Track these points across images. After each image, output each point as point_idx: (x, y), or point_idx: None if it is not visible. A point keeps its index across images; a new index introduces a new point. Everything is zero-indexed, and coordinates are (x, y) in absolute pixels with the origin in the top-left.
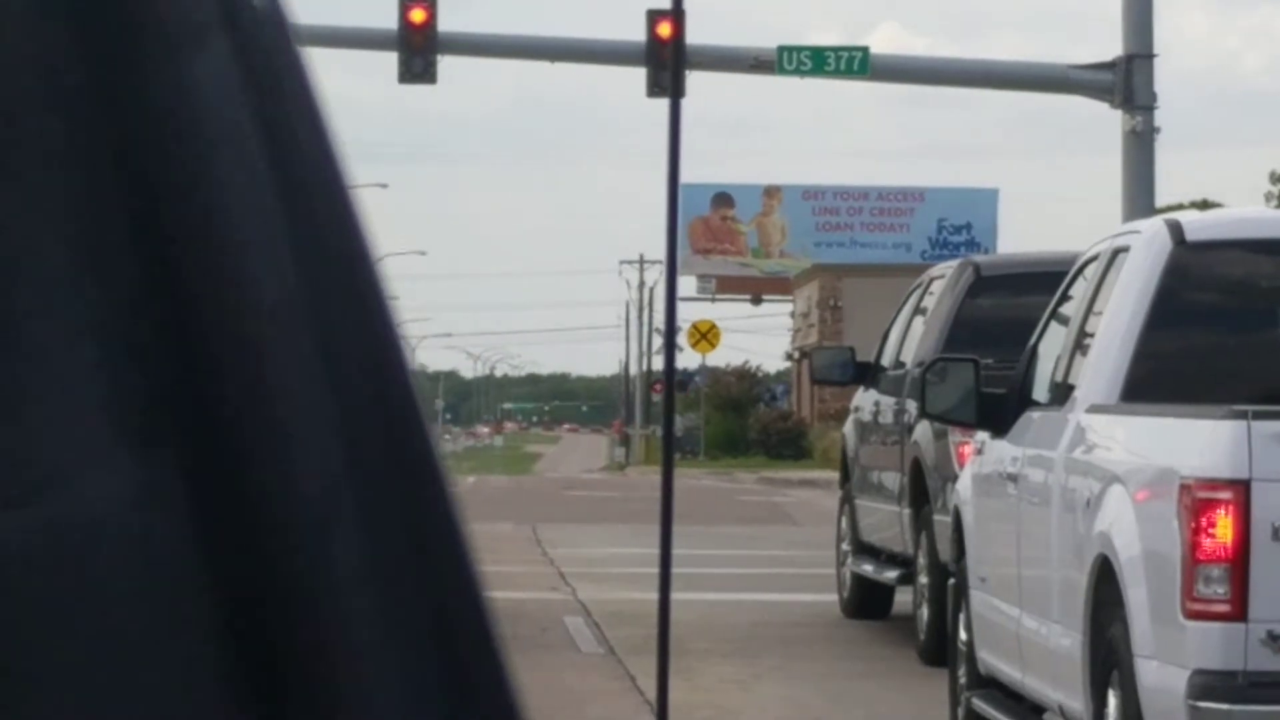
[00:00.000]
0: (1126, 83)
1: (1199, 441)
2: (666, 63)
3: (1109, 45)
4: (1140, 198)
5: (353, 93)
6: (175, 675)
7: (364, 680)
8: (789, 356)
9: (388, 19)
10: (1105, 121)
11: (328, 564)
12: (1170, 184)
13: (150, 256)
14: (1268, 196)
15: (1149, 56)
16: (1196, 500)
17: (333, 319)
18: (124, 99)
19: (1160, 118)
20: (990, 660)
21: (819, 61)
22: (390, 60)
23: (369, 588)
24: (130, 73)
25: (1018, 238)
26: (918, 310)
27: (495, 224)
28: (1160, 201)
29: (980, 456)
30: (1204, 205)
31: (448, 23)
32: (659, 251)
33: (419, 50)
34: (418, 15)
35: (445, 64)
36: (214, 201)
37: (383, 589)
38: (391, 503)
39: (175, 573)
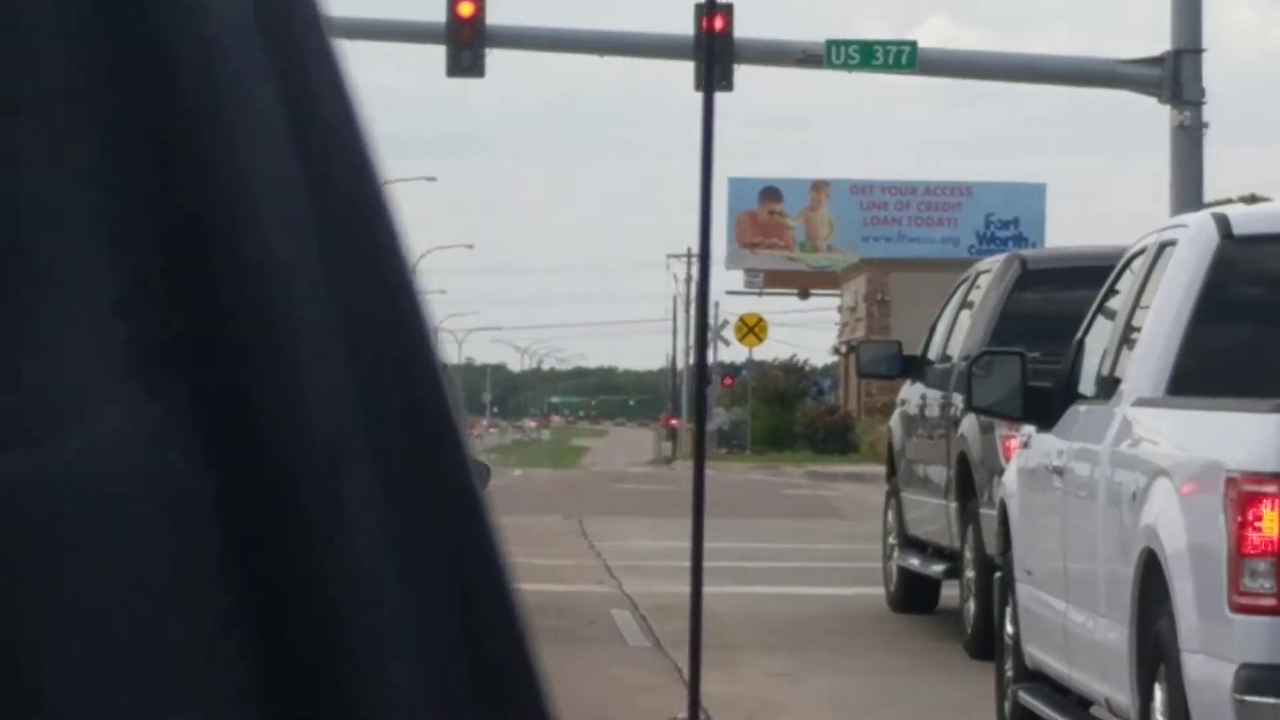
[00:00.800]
0: (1175, 77)
1: (1245, 435)
2: (716, 56)
3: (1157, 40)
4: (1188, 193)
5: (401, 86)
6: (191, 607)
7: (372, 625)
8: (836, 350)
9: (436, 12)
10: (1153, 116)
11: (337, 505)
12: (1219, 179)
13: (169, 201)
14: None
15: (1197, 51)
16: (1243, 494)
17: (349, 272)
18: (138, 35)
19: (1208, 112)
20: (1037, 654)
21: (867, 55)
22: (439, 54)
23: (380, 535)
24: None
25: (1065, 233)
26: (964, 304)
27: (543, 217)
28: (1208, 197)
29: (1026, 450)
30: (1252, 200)
31: (496, 16)
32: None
33: (467, 44)
34: (466, 9)
35: (493, 57)
36: (230, 143)
37: (395, 539)
38: (407, 457)
39: (190, 508)
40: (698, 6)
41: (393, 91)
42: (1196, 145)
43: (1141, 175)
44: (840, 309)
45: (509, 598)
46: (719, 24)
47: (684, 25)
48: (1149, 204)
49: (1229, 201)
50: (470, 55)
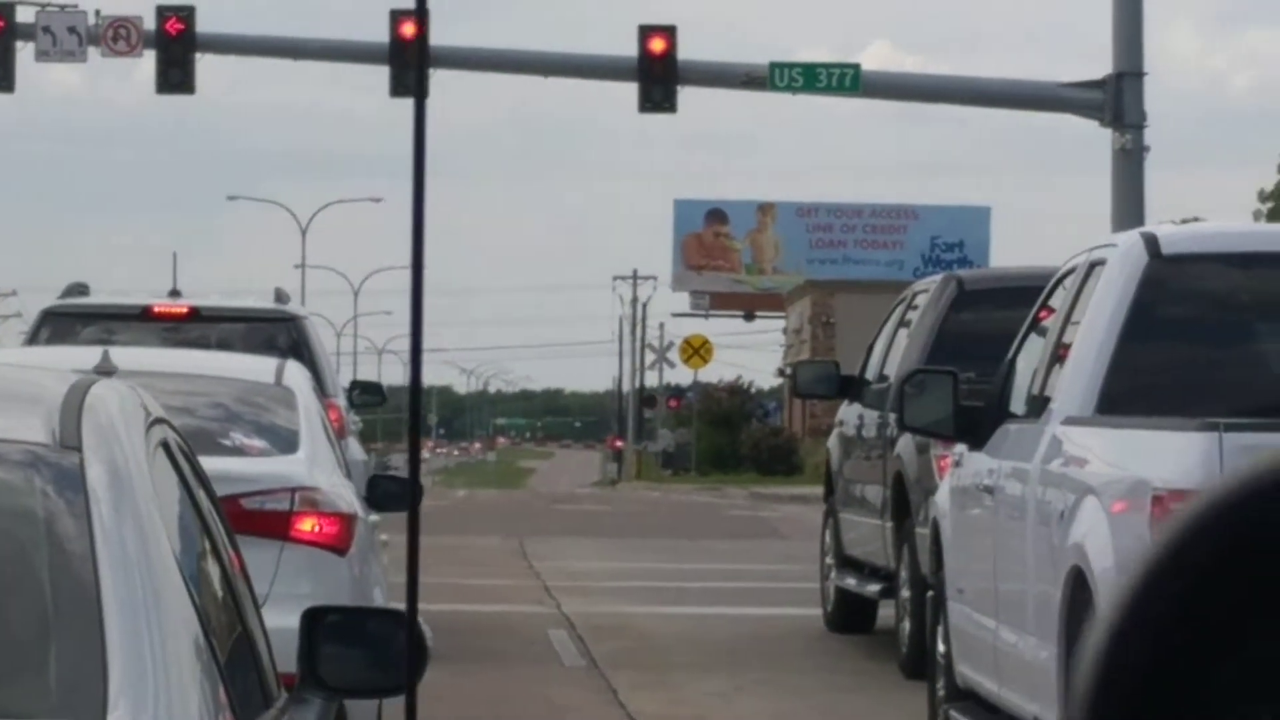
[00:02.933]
0: (1116, 101)
1: (1172, 453)
2: (659, 77)
3: (1099, 66)
4: (1129, 216)
5: (345, 107)
6: None
7: None
8: (781, 373)
9: (380, 33)
10: (1096, 140)
11: None
12: (1160, 202)
13: None
14: (1256, 215)
15: (1139, 75)
16: (1170, 511)
17: None
18: None
19: (1150, 136)
20: (968, 673)
21: (810, 78)
22: (383, 74)
23: None
24: None
25: (1010, 255)
26: (902, 324)
27: (489, 239)
28: (1150, 219)
29: (958, 469)
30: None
31: (440, 37)
32: (653, 267)
33: (411, 63)
34: (409, 29)
35: (437, 78)
36: None
37: None
38: None
39: None
40: (641, 28)
41: (337, 113)
42: (1138, 168)
43: (1085, 198)
44: (786, 331)
45: None
46: (661, 46)
47: (628, 47)
48: (1093, 227)
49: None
50: (414, 76)
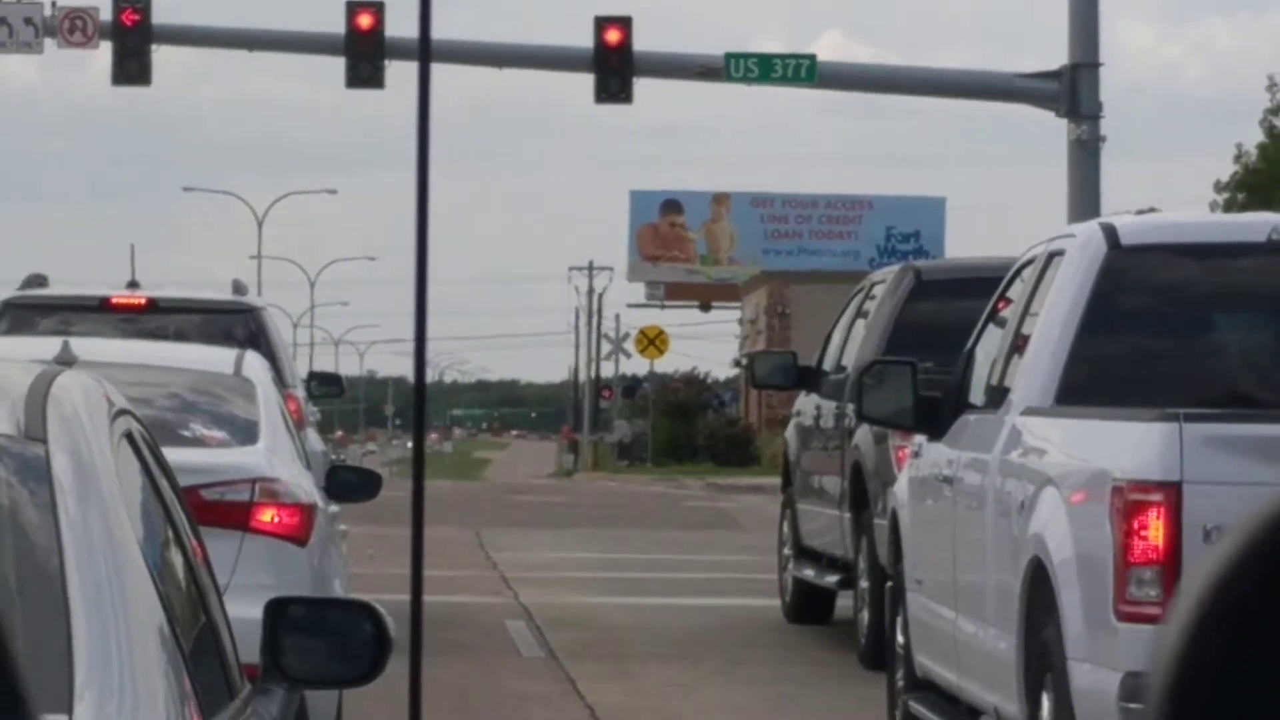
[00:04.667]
0: (1072, 91)
1: (1131, 444)
2: (615, 68)
3: (1052, 57)
4: (1085, 206)
5: (301, 98)
6: None
7: None
8: (737, 363)
9: (336, 24)
10: (1052, 130)
11: None
12: (1116, 193)
13: None
14: (1213, 205)
15: (1094, 65)
16: (1129, 502)
17: None
18: None
19: (1106, 127)
20: (927, 663)
21: (766, 69)
22: (339, 65)
23: None
24: None
25: (966, 246)
26: (859, 314)
27: (445, 230)
28: (1106, 210)
29: (917, 460)
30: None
31: (395, 28)
32: (608, 258)
33: (366, 55)
34: (365, 20)
35: (393, 69)
36: None
37: None
38: None
39: None
40: (597, 19)
41: (292, 104)
42: (1094, 158)
43: (1040, 189)
44: (741, 321)
45: None
46: (617, 37)
47: (585, 38)
48: (1048, 217)
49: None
50: (370, 67)
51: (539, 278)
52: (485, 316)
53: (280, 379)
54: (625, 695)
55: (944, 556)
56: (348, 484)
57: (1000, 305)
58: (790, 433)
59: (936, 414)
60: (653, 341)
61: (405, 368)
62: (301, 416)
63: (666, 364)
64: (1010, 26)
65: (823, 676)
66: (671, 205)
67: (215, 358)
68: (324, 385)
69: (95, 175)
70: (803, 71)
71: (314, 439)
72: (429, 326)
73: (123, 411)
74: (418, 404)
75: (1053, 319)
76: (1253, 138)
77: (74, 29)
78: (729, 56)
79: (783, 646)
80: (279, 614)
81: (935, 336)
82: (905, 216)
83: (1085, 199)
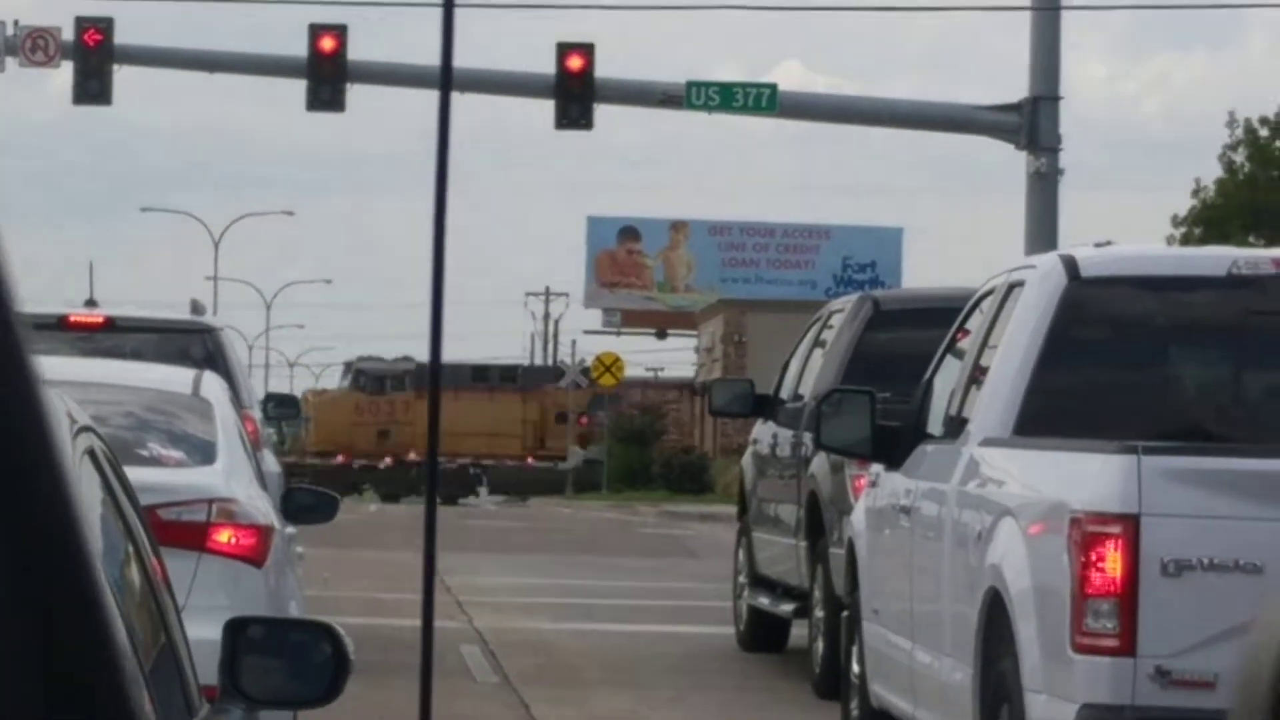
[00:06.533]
0: (1032, 124)
1: (1090, 476)
2: (576, 95)
3: (1010, 91)
4: (1043, 238)
5: (261, 120)
6: None
7: None
8: (692, 391)
9: (298, 47)
10: (1011, 162)
11: None
12: (1074, 226)
13: None
14: (1169, 239)
15: (1054, 99)
16: (1086, 534)
17: None
18: None
19: (1065, 160)
20: (882, 693)
21: (727, 97)
22: (299, 88)
23: None
24: None
25: (922, 276)
26: (817, 343)
27: (402, 253)
28: (1064, 242)
29: (874, 489)
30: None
31: (357, 51)
32: (564, 284)
33: (328, 78)
34: (328, 43)
35: (354, 93)
36: None
37: None
38: None
39: None
40: (559, 45)
41: (250, 126)
42: (1052, 191)
43: (999, 220)
44: (698, 349)
45: (99, 625)
46: (579, 64)
47: (546, 65)
48: (1005, 249)
49: None
50: (330, 90)
51: (495, 303)
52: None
53: (238, 399)
54: None
55: (900, 586)
56: (304, 506)
57: (959, 335)
58: (747, 461)
59: (894, 443)
60: (609, 368)
61: None
62: (259, 437)
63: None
64: (965, 62)
65: (776, 704)
66: (629, 232)
67: (173, 377)
68: (281, 407)
69: (52, 194)
70: (764, 100)
71: (270, 460)
72: (386, 349)
73: (85, 428)
74: (431, 426)
75: (1012, 350)
76: (1210, 172)
77: (36, 48)
78: (690, 84)
79: (736, 674)
80: (238, 634)
81: (893, 366)
82: (862, 246)
83: (1043, 231)
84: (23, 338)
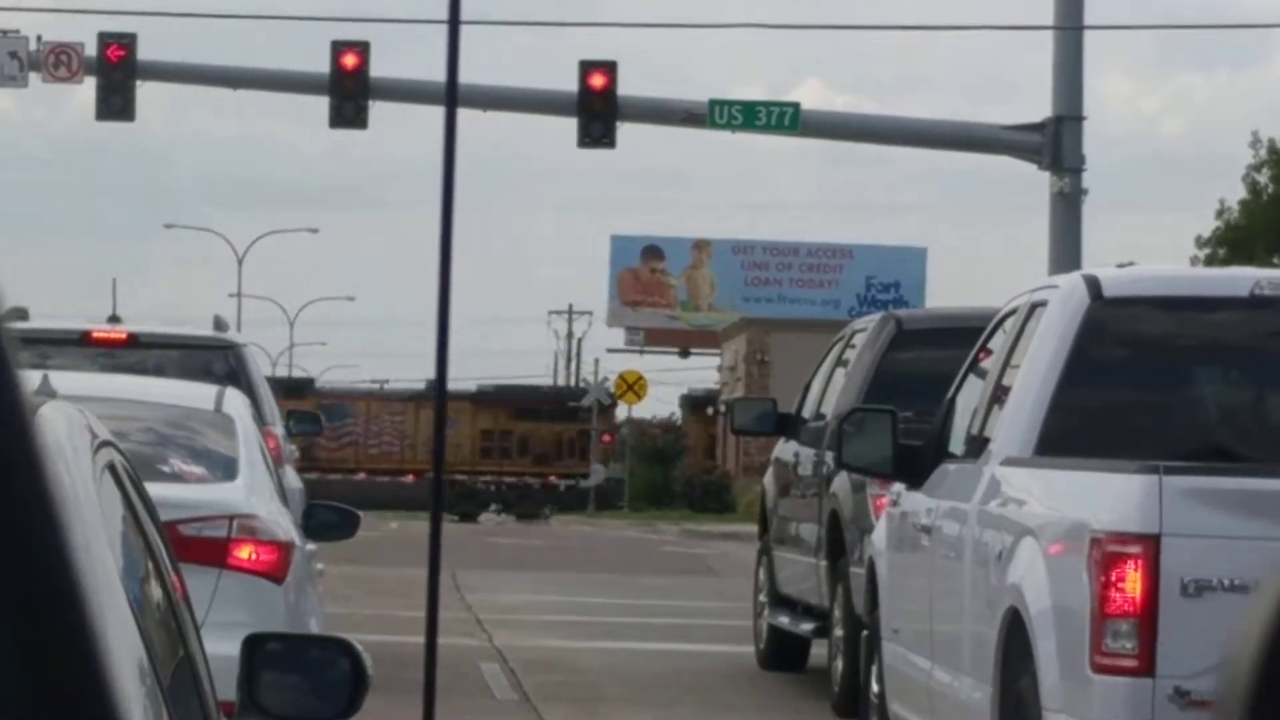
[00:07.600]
0: (1055, 144)
1: (1110, 496)
2: (598, 113)
3: (1033, 111)
4: (1067, 258)
5: (284, 137)
6: None
7: None
8: (715, 410)
9: (321, 64)
10: (1034, 182)
11: None
12: (1098, 245)
13: None
14: (1193, 260)
15: (1078, 119)
16: (1107, 554)
17: None
18: None
19: (1088, 179)
20: (901, 712)
21: (750, 116)
22: (322, 105)
23: None
24: None
25: (946, 296)
26: (839, 362)
27: (425, 271)
28: (1087, 263)
29: (895, 508)
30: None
31: (380, 68)
32: (587, 302)
33: (350, 95)
34: (350, 60)
35: (377, 110)
36: None
37: None
38: None
39: None
40: (581, 63)
41: (274, 143)
42: (1075, 211)
43: (1021, 240)
44: (720, 368)
45: (78, 623)
46: (601, 81)
47: (569, 82)
48: (1029, 269)
49: None
50: (353, 107)
51: (519, 321)
52: (465, 358)
53: (260, 416)
54: None
55: (921, 606)
56: (326, 522)
57: (981, 355)
58: (768, 479)
59: (916, 463)
60: (631, 387)
61: None
62: (280, 454)
63: (644, 409)
64: (987, 81)
65: None
66: (652, 251)
67: (195, 393)
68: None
69: (76, 210)
70: (786, 119)
71: (292, 476)
72: (409, 369)
73: (106, 443)
74: (437, 443)
75: (1034, 369)
76: (1234, 193)
77: (59, 64)
78: (713, 103)
79: (756, 693)
80: (256, 650)
81: (915, 385)
82: (886, 266)
83: (1067, 251)
84: (4, 343)
